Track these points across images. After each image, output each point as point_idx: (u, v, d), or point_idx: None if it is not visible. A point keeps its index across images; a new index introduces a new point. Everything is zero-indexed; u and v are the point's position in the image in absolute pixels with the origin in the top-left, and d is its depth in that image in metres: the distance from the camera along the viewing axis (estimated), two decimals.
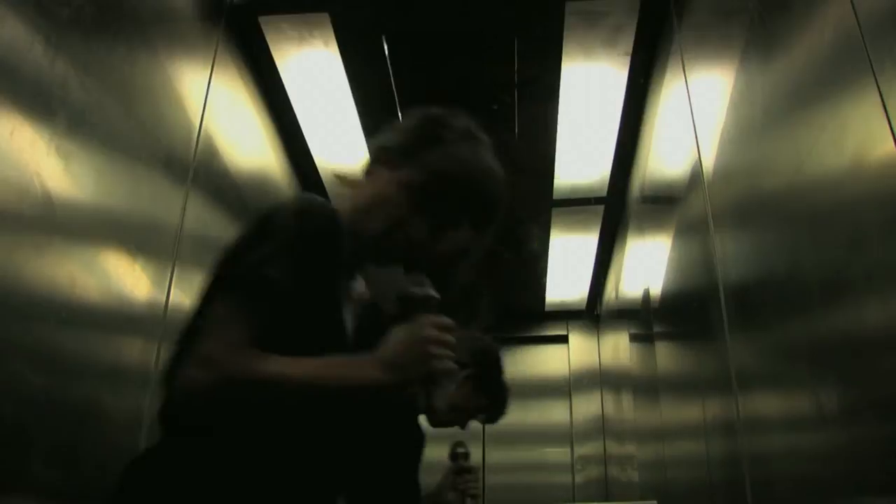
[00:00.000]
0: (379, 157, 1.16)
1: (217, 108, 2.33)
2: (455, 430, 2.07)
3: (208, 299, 0.99)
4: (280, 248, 0.97)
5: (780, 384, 1.45)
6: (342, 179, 1.20)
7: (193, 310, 1.01)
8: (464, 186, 1.10)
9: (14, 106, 1.31)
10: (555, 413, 4.65)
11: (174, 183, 2.03)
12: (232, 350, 0.90)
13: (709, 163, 1.94)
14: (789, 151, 1.34)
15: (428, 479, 1.99)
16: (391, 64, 2.68)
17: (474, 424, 2.13)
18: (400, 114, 2.91)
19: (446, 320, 1.01)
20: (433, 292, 1.05)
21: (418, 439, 1.85)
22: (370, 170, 1.17)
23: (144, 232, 1.84)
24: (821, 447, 1.25)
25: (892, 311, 0.99)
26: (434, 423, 1.96)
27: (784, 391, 1.44)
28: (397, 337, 0.98)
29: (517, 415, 4.75)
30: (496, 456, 4.57)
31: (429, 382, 0.99)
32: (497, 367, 2.08)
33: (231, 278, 0.97)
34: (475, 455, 4.79)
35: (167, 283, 1.96)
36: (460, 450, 2.14)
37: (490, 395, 2.05)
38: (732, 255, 1.75)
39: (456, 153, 1.11)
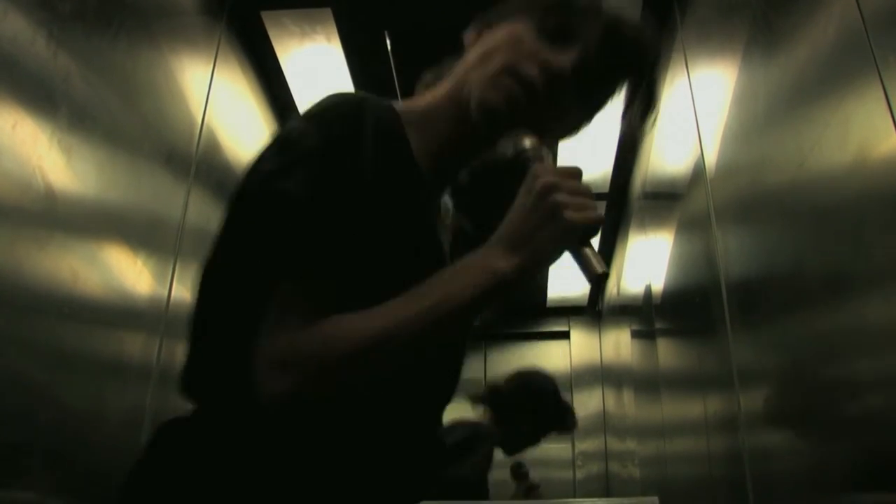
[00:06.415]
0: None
1: (219, 103, 2.33)
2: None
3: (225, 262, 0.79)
4: (303, 155, 0.71)
5: (782, 381, 1.45)
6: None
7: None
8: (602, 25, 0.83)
9: (16, 100, 1.31)
10: None
11: (176, 177, 2.03)
12: (306, 334, 0.66)
13: (711, 159, 1.93)
14: (792, 147, 1.34)
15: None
16: (393, 59, 2.67)
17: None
18: None
19: (572, 168, 0.71)
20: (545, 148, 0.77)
21: None
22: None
23: (146, 227, 1.84)
24: (823, 444, 1.25)
25: (895, 308, 0.99)
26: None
27: (786, 388, 1.44)
28: (513, 208, 0.70)
29: None
30: (497, 451, 4.57)
31: (576, 243, 0.68)
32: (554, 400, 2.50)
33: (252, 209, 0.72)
34: None
35: (169, 279, 1.96)
36: (523, 469, 2.48)
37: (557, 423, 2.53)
38: (735, 251, 1.74)
39: None
